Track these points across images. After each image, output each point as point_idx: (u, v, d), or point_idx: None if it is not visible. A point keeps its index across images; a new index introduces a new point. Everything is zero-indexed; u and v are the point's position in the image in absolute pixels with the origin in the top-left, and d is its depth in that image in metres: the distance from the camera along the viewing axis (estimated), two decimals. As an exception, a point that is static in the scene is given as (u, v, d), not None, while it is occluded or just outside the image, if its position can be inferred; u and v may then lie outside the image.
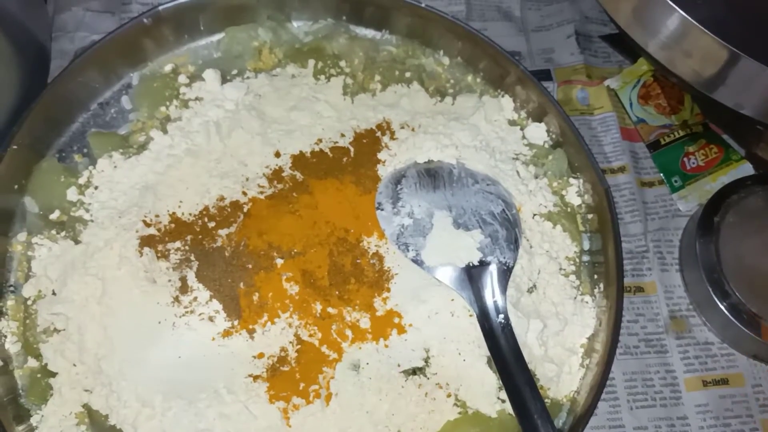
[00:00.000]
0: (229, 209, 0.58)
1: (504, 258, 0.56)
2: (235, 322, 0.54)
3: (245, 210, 0.58)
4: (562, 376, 0.56)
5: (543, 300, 0.58)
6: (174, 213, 0.57)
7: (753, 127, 0.68)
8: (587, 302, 0.59)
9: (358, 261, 0.57)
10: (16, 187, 0.59)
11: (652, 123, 0.71)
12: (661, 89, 0.71)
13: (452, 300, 0.55)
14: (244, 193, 0.58)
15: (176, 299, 0.54)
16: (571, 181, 0.63)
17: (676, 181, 0.69)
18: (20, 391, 0.54)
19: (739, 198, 0.64)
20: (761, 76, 0.54)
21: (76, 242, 0.57)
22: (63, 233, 0.58)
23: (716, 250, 0.61)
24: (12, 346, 0.55)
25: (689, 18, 0.54)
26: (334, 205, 0.58)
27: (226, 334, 0.54)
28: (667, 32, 0.57)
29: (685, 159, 0.69)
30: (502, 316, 0.54)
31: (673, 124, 0.71)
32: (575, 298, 0.59)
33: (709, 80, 0.57)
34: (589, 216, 0.63)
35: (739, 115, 0.59)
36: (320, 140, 0.61)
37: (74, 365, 0.53)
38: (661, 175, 0.69)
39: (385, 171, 0.61)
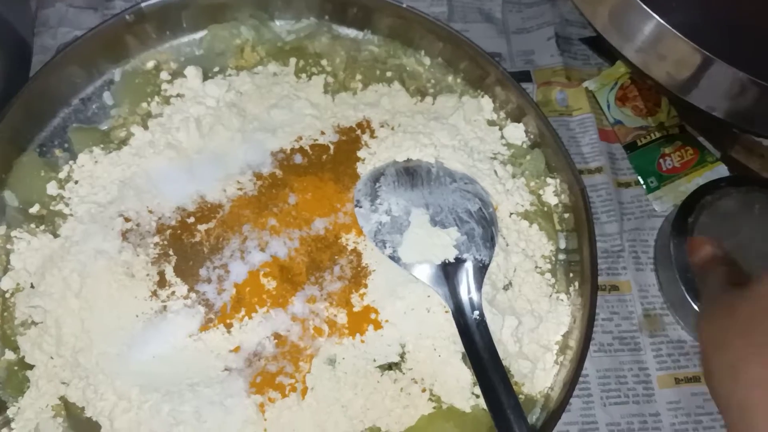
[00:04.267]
0: (208, 205, 0.58)
1: (480, 255, 0.57)
2: (213, 317, 0.54)
3: (224, 206, 0.58)
4: (536, 372, 0.57)
5: (518, 297, 0.59)
6: (153, 208, 0.58)
7: (729, 130, 0.70)
8: (562, 300, 0.60)
9: (336, 257, 0.57)
10: (-5, 181, 0.59)
11: (629, 124, 0.72)
12: (638, 91, 0.72)
13: (428, 296, 0.56)
14: (224, 190, 0.59)
15: (154, 293, 0.55)
16: (548, 180, 0.64)
17: (651, 182, 0.70)
18: (-3, 384, 0.54)
19: (713, 199, 0.64)
20: (733, 80, 0.55)
21: (55, 236, 0.57)
22: (42, 227, 0.58)
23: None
24: (-11, 339, 0.55)
25: (664, 23, 0.55)
26: (313, 202, 0.59)
27: (204, 328, 0.54)
28: (643, 36, 0.58)
29: (661, 160, 0.70)
30: (477, 312, 0.54)
31: (650, 125, 0.72)
32: (550, 295, 0.60)
33: (683, 83, 0.59)
34: (566, 215, 0.63)
35: (715, 119, 0.60)
36: (300, 138, 0.62)
37: (51, 358, 0.53)
38: (638, 175, 0.70)
39: (364, 169, 0.61)
